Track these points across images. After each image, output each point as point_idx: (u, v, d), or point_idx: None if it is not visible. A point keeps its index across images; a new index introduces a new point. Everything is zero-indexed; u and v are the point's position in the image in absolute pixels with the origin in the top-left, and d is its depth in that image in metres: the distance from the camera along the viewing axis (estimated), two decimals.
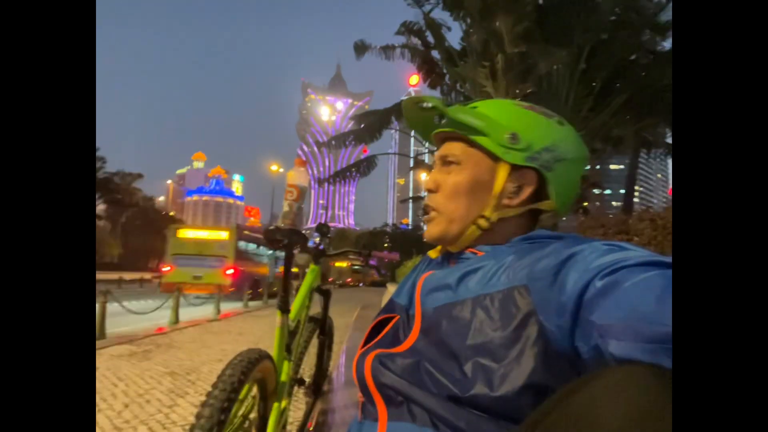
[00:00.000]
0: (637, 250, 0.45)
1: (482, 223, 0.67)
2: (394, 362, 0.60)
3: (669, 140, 8.59)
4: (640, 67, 7.33)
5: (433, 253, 0.77)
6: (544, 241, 0.60)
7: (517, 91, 5.81)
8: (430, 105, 0.72)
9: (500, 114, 0.69)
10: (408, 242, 25.60)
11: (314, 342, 2.03)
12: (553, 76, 6.40)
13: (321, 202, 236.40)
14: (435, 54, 9.41)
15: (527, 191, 0.67)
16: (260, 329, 6.82)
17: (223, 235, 13.11)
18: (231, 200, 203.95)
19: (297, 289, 1.68)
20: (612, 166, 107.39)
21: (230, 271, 12.38)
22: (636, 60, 7.33)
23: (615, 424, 0.26)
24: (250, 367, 1.04)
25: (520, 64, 6.12)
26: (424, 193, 0.81)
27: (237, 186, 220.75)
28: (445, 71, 9.42)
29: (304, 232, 1.39)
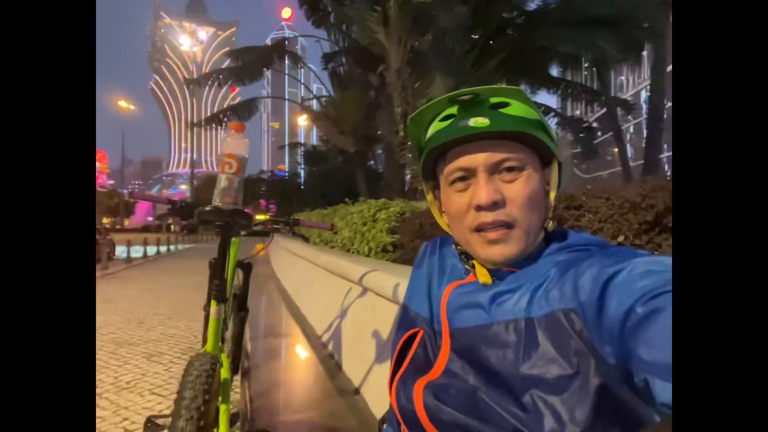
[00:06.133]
0: None
1: (550, 225, 0.62)
2: (448, 394, 0.54)
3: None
4: (514, 27, 7.86)
5: (483, 277, 0.61)
6: (582, 252, 0.56)
7: (416, 43, 5.74)
8: (467, 97, 0.58)
9: (531, 105, 0.63)
10: (286, 190, 24.66)
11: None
12: (447, 31, 6.44)
13: (184, 145, 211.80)
14: None
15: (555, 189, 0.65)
16: (129, 294, 6.05)
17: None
18: None
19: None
20: None
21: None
22: (512, 20, 7.81)
23: None
24: (209, 381, 0.87)
25: (414, 11, 6.00)
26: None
27: None
28: (330, 10, 8.86)
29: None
